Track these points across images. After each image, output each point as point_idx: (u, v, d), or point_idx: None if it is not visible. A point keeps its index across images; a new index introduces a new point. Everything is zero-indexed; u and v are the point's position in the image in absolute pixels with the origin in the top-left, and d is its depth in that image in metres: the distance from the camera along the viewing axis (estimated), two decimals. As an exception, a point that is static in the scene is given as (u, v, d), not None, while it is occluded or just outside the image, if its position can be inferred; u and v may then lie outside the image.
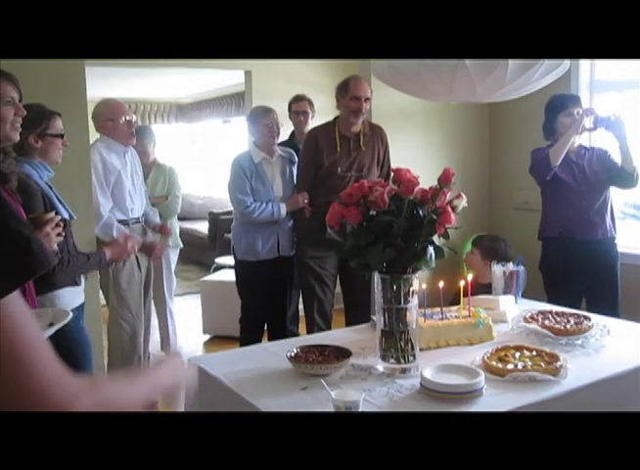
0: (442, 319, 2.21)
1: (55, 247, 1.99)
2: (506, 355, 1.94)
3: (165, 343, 4.35)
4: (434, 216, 1.85)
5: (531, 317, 2.32)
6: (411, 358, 1.90)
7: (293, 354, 1.95)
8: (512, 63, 2.30)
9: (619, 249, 3.40)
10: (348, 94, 3.31)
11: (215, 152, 9.25)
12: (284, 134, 4.13)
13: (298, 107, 4.05)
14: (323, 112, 3.98)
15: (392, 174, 1.91)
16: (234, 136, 8.18)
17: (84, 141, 3.04)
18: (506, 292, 2.61)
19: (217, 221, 7.07)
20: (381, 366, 1.92)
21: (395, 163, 3.35)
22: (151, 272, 3.46)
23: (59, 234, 2.01)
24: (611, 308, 3.04)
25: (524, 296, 2.70)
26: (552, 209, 3.36)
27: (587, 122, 3.27)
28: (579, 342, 2.15)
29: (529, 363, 1.88)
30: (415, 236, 1.84)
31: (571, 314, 2.37)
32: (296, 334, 3.84)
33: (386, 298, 1.89)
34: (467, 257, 3.50)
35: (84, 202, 2.97)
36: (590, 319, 2.28)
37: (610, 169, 3.29)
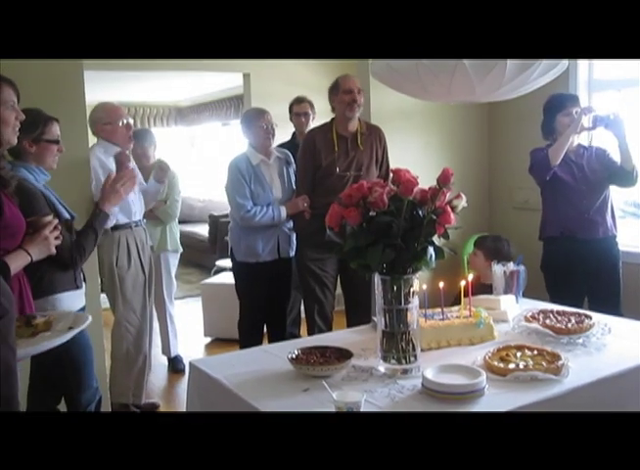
0: (443, 319, 2.20)
1: (53, 250, 1.99)
2: (507, 355, 1.94)
3: (166, 347, 4.35)
4: (434, 217, 1.85)
5: (532, 317, 2.32)
6: (412, 359, 1.90)
7: (294, 356, 1.95)
8: (510, 62, 2.30)
9: (620, 247, 3.40)
10: (340, 89, 3.36)
11: (215, 154, 9.26)
12: (285, 135, 4.14)
13: (299, 108, 4.09)
14: (321, 114, 3.99)
15: (392, 175, 1.91)
16: (233, 139, 8.18)
17: (84, 144, 3.04)
18: (507, 291, 2.61)
19: (217, 224, 7.07)
20: (382, 367, 1.92)
21: (395, 163, 3.35)
22: (152, 273, 3.46)
23: (57, 237, 2.01)
24: (613, 307, 3.04)
25: (525, 295, 2.70)
26: (552, 208, 3.35)
27: (586, 121, 3.26)
28: (581, 341, 2.14)
29: (531, 363, 1.88)
30: (415, 236, 1.84)
31: (573, 313, 2.36)
32: (296, 336, 3.84)
33: (386, 298, 1.89)
34: (470, 258, 3.51)
35: (84, 205, 2.97)
36: (591, 318, 2.28)
37: (609, 168, 3.29)
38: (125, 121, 3.27)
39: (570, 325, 2.22)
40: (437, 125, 4.63)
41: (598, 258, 3.27)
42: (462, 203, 1.94)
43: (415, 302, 1.90)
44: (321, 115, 4.03)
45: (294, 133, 4.19)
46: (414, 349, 1.90)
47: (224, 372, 1.93)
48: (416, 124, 4.54)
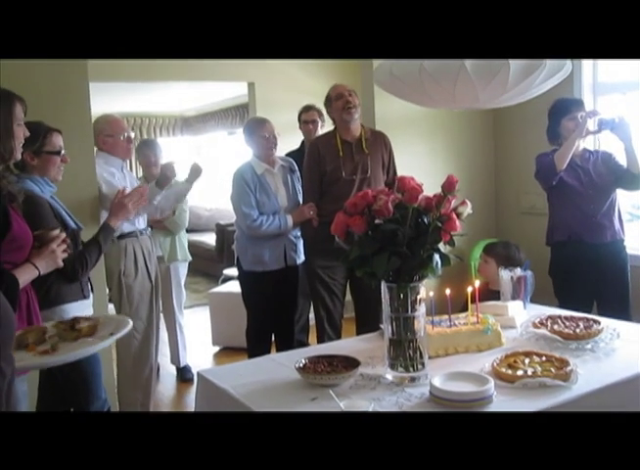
0: (451, 326, 2.20)
1: (61, 263, 2.00)
2: (515, 362, 1.93)
3: (175, 357, 4.35)
4: (439, 224, 1.85)
5: (540, 322, 2.31)
6: (420, 367, 1.90)
7: (301, 365, 1.94)
8: (513, 67, 2.29)
9: (628, 251, 3.38)
10: (332, 97, 3.42)
11: (221, 163, 9.29)
12: (294, 144, 4.15)
13: (308, 116, 4.11)
14: (330, 122, 3.99)
15: (397, 182, 1.92)
16: (239, 147, 8.20)
17: (89, 155, 3.07)
18: (514, 297, 2.60)
19: (224, 233, 7.08)
20: (390, 375, 1.91)
21: (401, 170, 3.36)
22: (159, 281, 3.47)
23: (64, 250, 2.02)
24: (622, 311, 3.02)
25: (533, 301, 2.69)
26: (559, 213, 3.34)
27: (591, 125, 3.25)
28: (589, 346, 2.13)
29: (539, 369, 1.87)
30: (420, 244, 1.84)
31: (581, 318, 2.35)
32: (304, 343, 3.82)
33: (393, 306, 1.88)
34: (480, 266, 3.46)
35: (91, 216, 2.98)
36: (600, 323, 2.27)
37: (615, 172, 3.28)
38: (127, 135, 3.33)
39: (578, 330, 2.21)
40: (443, 131, 4.63)
41: (606, 262, 3.25)
42: (467, 209, 1.94)
43: (422, 309, 1.89)
44: (330, 123, 4.03)
45: (302, 141, 4.20)
46: (421, 356, 1.90)
47: (231, 382, 1.93)
48: (421, 131, 4.54)
